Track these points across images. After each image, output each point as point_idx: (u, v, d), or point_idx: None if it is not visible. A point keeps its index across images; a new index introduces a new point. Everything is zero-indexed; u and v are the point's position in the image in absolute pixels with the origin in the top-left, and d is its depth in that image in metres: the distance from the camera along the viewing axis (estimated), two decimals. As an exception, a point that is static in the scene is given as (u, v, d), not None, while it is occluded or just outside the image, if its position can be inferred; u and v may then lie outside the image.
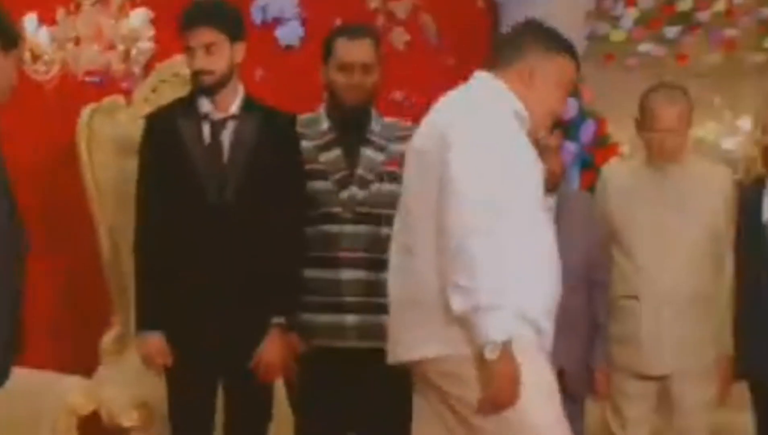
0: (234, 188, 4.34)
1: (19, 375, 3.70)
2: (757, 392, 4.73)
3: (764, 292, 4.61)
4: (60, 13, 5.17)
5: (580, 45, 6.22)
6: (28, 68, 5.02)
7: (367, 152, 4.55)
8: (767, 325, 4.59)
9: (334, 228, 4.50)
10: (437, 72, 5.84)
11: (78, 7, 5.21)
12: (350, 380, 4.46)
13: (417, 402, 3.84)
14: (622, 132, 6.39)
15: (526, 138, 3.72)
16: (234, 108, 4.39)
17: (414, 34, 5.83)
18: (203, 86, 4.35)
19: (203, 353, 4.32)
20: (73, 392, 4.59)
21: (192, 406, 4.40)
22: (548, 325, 3.67)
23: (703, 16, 6.59)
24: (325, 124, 4.56)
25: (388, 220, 4.38)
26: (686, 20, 6.56)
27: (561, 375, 4.13)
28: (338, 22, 5.51)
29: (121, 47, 5.29)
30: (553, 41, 3.86)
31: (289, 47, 5.64)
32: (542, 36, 3.87)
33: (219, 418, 4.46)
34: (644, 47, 6.68)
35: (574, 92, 6.18)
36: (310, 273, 4.46)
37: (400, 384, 4.43)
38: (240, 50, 4.40)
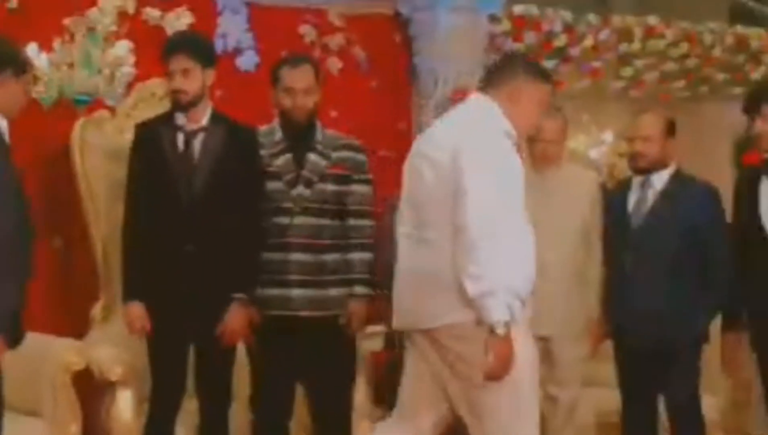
0: (202, 186, 4.34)
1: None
2: (619, 348, 4.76)
3: (627, 270, 4.63)
4: (57, 42, 5.11)
5: (476, 73, 6.29)
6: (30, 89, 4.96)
7: (312, 158, 4.54)
8: (628, 295, 4.62)
9: (284, 219, 4.49)
10: (364, 94, 5.81)
11: (72, 37, 5.14)
12: (296, 342, 4.47)
13: (417, 365, 3.84)
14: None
15: (515, 151, 3.76)
16: (204, 121, 4.39)
17: (346, 62, 5.80)
18: (180, 103, 4.34)
19: (178, 321, 4.32)
20: (68, 352, 4.57)
21: (169, 364, 4.39)
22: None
23: (574, 50, 6.53)
24: (278, 135, 4.56)
25: (329, 214, 4.45)
26: (561, 54, 6.53)
27: None
28: (284, 52, 5.52)
29: (107, 71, 5.22)
30: (536, 69, 3.92)
31: (246, 72, 5.63)
32: (527, 65, 3.92)
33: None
34: (528, 76, 6.69)
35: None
36: (264, 256, 4.46)
37: (336, 343, 4.52)
38: (211, 75, 4.40)
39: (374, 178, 4.72)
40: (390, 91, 6.01)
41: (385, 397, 4.84)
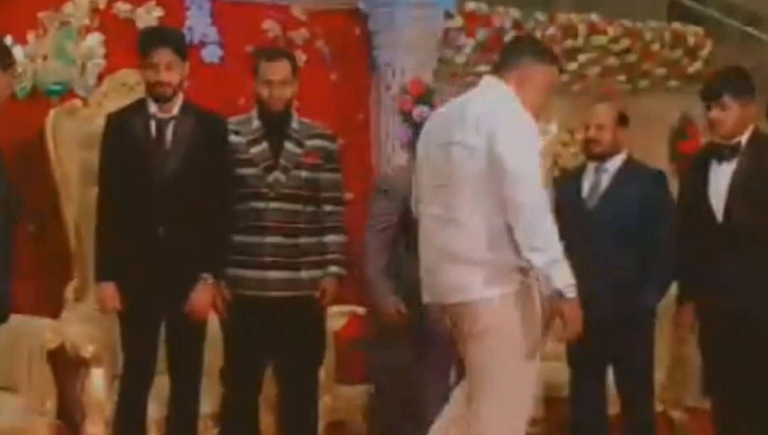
0: (174, 172, 4.36)
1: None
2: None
3: (581, 249, 4.67)
4: (31, 35, 5.11)
5: (431, 66, 6.37)
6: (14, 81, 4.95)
7: (289, 146, 4.59)
8: (581, 272, 4.65)
9: (261, 204, 4.53)
10: (326, 86, 5.91)
11: (46, 31, 5.16)
12: (270, 321, 4.52)
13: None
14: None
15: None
16: (175, 110, 4.41)
17: (310, 55, 5.86)
18: (165, 96, 4.37)
19: (149, 299, 4.36)
20: (43, 330, 4.60)
21: (140, 341, 4.42)
22: None
23: None
24: (255, 124, 4.60)
25: (303, 199, 4.52)
26: (510, 48, 6.64)
27: None
28: (249, 47, 5.56)
29: (79, 62, 5.22)
30: (543, 51, 3.93)
31: (210, 64, 5.65)
32: (534, 48, 3.95)
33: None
34: (480, 69, 6.76)
35: (428, 102, 6.29)
36: (242, 239, 4.51)
37: (307, 323, 4.56)
38: (186, 67, 4.46)
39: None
40: (350, 83, 6.06)
41: (347, 374, 4.92)
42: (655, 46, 7.21)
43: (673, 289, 4.72)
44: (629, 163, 4.80)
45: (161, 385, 4.47)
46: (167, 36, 4.51)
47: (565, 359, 4.85)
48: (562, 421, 5.15)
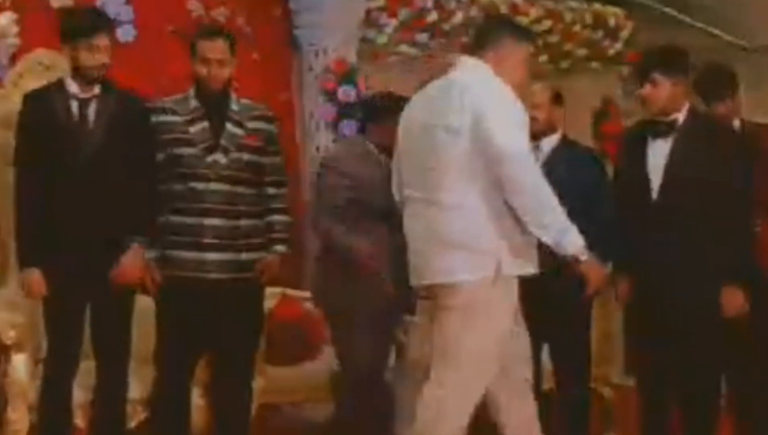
0: (97, 151, 4.32)
1: None
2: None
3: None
4: (-59, 16, 5.07)
5: (354, 45, 6.40)
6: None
7: (229, 127, 4.54)
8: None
9: (200, 185, 4.49)
10: (248, 65, 5.81)
11: (-45, 10, 5.11)
12: (208, 303, 4.48)
13: (423, 322, 4.03)
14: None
15: None
16: (96, 89, 4.38)
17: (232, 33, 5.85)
18: (102, 76, 4.36)
19: (73, 283, 4.31)
20: (-38, 317, 4.57)
21: (65, 325, 4.37)
22: None
23: (446, 26, 6.67)
24: (193, 103, 4.53)
25: (244, 182, 4.52)
26: (433, 29, 6.69)
27: None
28: (168, 27, 5.53)
29: (-9, 42, 5.18)
30: (518, 29, 3.99)
31: (125, 43, 5.61)
32: (510, 26, 4.01)
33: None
34: (402, 49, 6.81)
35: (352, 81, 6.33)
36: (180, 219, 4.49)
37: (245, 305, 4.55)
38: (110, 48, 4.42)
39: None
40: (273, 63, 6.06)
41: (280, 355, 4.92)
42: (576, 27, 7.33)
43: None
44: (564, 142, 4.82)
45: (88, 369, 4.42)
46: (104, 21, 4.46)
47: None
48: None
